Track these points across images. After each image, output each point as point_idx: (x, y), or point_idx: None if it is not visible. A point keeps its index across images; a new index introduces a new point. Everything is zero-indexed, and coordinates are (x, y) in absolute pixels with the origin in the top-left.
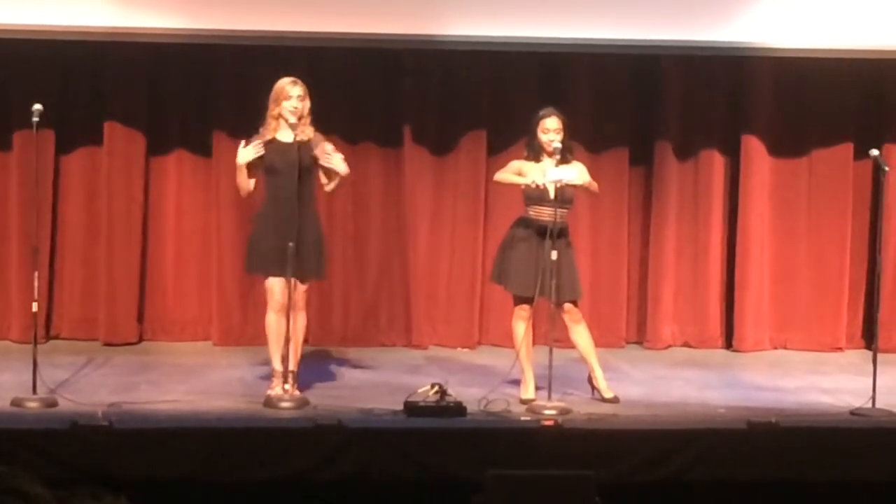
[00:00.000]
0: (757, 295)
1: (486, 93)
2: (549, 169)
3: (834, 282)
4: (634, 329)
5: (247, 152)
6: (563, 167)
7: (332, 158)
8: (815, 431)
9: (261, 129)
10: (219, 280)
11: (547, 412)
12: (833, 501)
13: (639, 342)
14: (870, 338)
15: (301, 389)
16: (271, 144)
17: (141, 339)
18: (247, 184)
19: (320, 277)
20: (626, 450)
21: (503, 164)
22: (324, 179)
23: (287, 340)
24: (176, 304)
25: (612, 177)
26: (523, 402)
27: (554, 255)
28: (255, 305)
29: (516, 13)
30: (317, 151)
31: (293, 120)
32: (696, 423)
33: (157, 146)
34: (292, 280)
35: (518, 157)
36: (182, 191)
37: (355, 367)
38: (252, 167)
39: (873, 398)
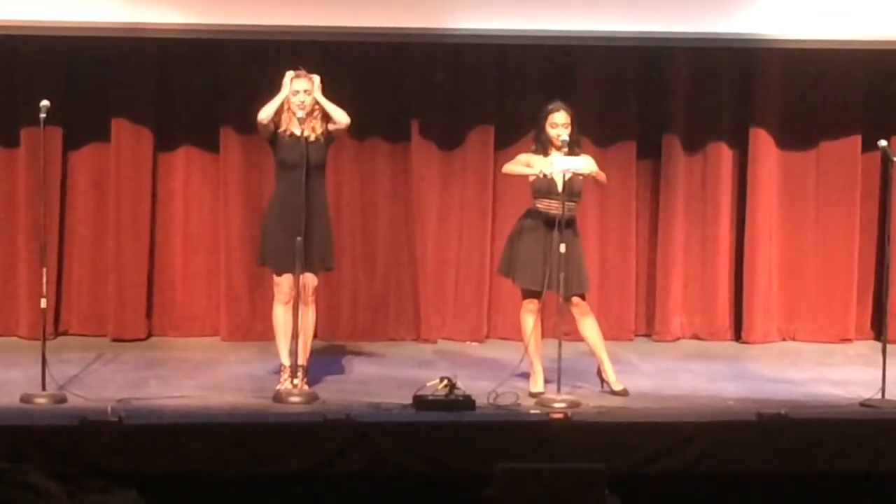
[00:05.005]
0: (765, 286)
1: (493, 87)
2: (556, 159)
3: (843, 273)
4: (643, 321)
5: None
6: (572, 158)
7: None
8: (824, 423)
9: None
10: (227, 275)
11: (556, 405)
12: (842, 493)
13: (647, 335)
14: (879, 329)
15: (310, 384)
16: (288, 137)
17: (150, 335)
18: (272, 109)
19: (329, 267)
20: (635, 442)
21: (511, 159)
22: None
23: (295, 335)
24: (184, 299)
25: (619, 170)
26: (532, 395)
27: (562, 248)
28: (263, 300)
29: (523, 6)
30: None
31: (301, 114)
32: (706, 416)
33: (164, 142)
34: (300, 274)
35: (526, 151)
36: (190, 186)
37: (364, 361)
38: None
39: (883, 389)
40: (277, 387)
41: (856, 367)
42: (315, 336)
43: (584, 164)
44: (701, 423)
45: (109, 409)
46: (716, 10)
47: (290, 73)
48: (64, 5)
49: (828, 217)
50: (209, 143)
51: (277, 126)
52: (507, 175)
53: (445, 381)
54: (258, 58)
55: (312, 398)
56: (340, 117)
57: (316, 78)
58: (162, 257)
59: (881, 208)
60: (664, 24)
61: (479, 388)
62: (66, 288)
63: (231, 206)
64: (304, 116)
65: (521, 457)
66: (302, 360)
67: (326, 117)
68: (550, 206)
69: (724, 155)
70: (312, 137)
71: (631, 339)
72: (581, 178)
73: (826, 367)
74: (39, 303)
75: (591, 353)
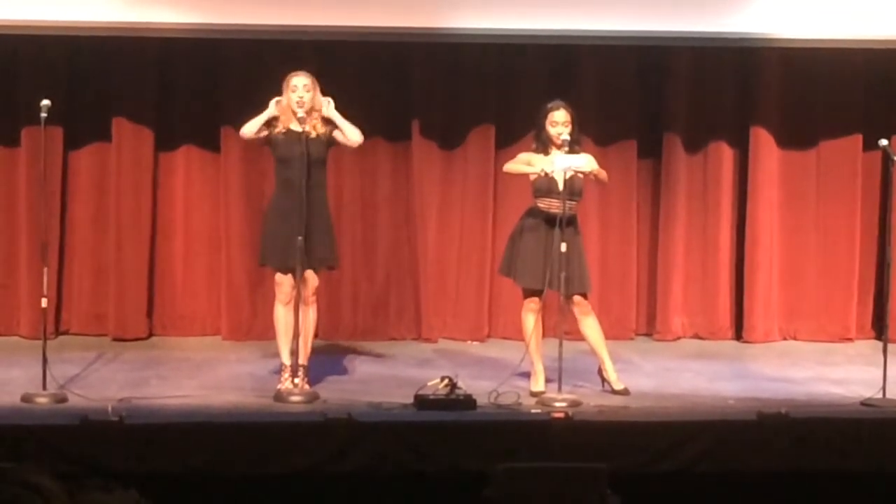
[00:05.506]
0: (766, 286)
1: (494, 86)
2: (557, 158)
3: (843, 272)
4: (644, 321)
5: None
6: (573, 156)
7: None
8: (825, 422)
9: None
10: (228, 275)
11: (557, 404)
12: (843, 492)
13: (648, 334)
14: (880, 328)
15: (311, 383)
16: (283, 135)
17: (150, 335)
18: (255, 126)
19: (333, 265)
20: (636, 442)
21: (511, 158)
22: (340, 137)
23: (296, 334)
24: (185, 298)
25: (620, 169)
26: (533, 394)
27: (563, 247)
28: (264, 300)
29: (524, 5)
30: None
31: (301, 113)
32: (707, 415)
33: (165, 141)
34: (302, 273)
35: (527, 151)
36: (190, 186)
37: (365, 360)
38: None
39: (884, 388)
40: (278, 386)
41: (856, 366)
42: (316, 335)
43: (585, 162)
44: (702, 422)
45: (110, 408)
46: (716, 9)
47: (275, 99)
48: (64, 5)
49: (828, 216)
50: (210, 143)
51: (273, 127)
52: (507, 174)
53: (446, 381)
54: (258, 58)
55: (313, 397)
56: (353, 136)
57: (329, 100)
58: (162, 256)
59: (882, 207)
60: (664, 24)
61: (480, 387)
62: (66, 287)
63: (232, 206)
64: (305, 115)
65: (522, 456)
66: (303, 360)
67: (328, 120)
68: (551, 205)
69: (724, 154)
70: (314, 134)
71: (632, 339)
72: (582, 176)
73: (827, 366)
74: (40, 302)
75: (592, 353)
